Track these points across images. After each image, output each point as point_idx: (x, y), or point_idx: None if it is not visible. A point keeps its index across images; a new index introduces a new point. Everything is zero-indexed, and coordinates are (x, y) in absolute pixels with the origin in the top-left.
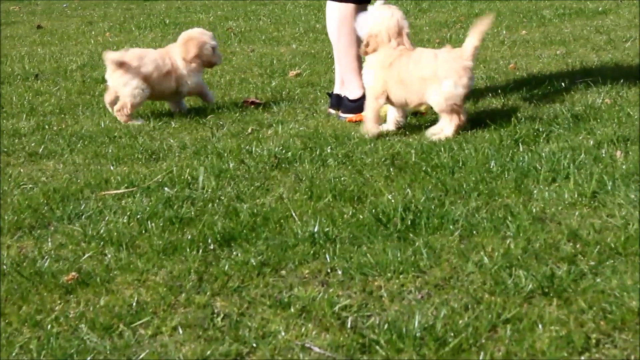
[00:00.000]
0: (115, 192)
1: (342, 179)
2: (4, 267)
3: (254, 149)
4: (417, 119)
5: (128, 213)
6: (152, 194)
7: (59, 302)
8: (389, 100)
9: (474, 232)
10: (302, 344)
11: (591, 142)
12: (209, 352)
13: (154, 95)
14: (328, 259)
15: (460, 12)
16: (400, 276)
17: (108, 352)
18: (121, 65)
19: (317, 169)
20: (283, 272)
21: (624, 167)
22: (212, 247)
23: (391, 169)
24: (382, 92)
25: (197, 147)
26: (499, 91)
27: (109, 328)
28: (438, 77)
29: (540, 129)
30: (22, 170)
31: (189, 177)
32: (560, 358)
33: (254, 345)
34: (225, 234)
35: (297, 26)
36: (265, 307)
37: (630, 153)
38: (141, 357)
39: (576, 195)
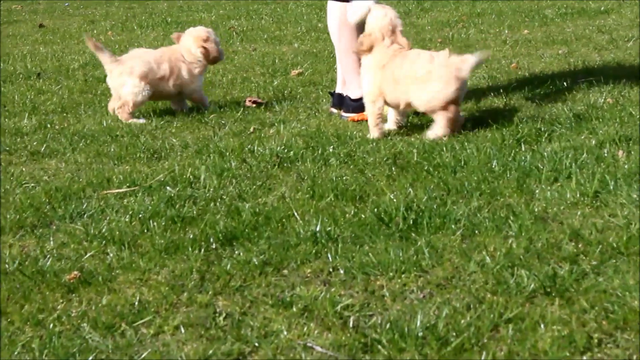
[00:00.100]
0: (117, 191)
1: (344, 178)
2: (7, 266)
3: (256, 148)
4: (419, 118)
5: (130, 212)
6: (154, 193)
7: (61, 301)
8: (385, 102)
9: (476, 231)
10: (304, 343)
11: (593, 142)
12: (210, 352)
13: (155, 95)
14: (330, 259)
15: (462, 12)
16: (402, 276)
17: (110, 351)
18: (98, 48)
19: (319, 168)
20: (285, 271)
21: (626, 166)
22: (214, 246)
23: (393, 169)
24: (378, 94)
25: (199, 146)
26: (501, 91)
27: (111, 327)
28: (429, 78)
29: (542, 129)
30: (24, 169)
31: (190, 176)
32: (563, 358)
33: (256, 344)
34: (227, 233)
35: (299, 25)
36: (267, 307)
37: (632, 153)
38: (143, 356)
39: (578, 195)
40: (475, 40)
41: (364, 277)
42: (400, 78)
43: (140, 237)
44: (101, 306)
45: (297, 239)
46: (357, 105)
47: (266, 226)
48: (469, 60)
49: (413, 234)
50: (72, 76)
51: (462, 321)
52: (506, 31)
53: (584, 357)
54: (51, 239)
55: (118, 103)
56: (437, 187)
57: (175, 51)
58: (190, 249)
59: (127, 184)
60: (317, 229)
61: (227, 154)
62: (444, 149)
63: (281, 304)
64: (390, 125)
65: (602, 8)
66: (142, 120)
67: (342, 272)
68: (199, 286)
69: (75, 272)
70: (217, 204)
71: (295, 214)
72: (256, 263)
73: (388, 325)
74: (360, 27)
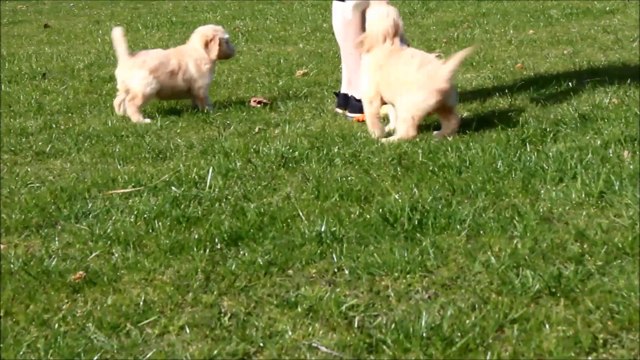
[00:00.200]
0: (122, 191)
1: (349, 178)
2: (12, 266)
3: (261, 148)
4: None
5: (135, 212)
6: (159, 193)
7: (66, 301)
8: (383, 101)
9: (481, 232)
10: (309, 343)
11: (598, 142)
12: (215, 352)
13: (167, 92)
14: (335, 259)
15: (467, 12)
16: (407, 276)
17: (115, 351)
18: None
19: (324, 168)
20: (290, 271)
21: (631, 167)
22: (219, 246)
23: (398, 169)
24: (375, 95)
25: (204, 147)
26: (506, 91)
27: (116, 327)
28: (411, 88)
29: (548, 129)
30: (29, 169)
31: (196, 177)
32: (568, 358)
33: (261, 344)
34: (232, 234)
35: (304, 25)
36: (272, 307)
37: (637, 153)
38: (148, 356)
39: (583, 195)
40: (480, 40)
41: (369, 278)
42: (392, 79)
43: (145, 237)
44: (106, 306)
45: (302, 239)
46: (362, 106)
47: (271, 226)
48: (448, 67)
49: (418, 235)
50: (77, 76)
51: (467, 321)
52: (511, 31)
53: (589, 358)
54: (56, 239)
55: (128, 96)
56: (442, 188)
57: (184, 48)
58: (195, 249)
59: (132, 184)
60: (322, 229)
61: (232, 154)
62: (449, 149)
63: (286, 304)
64: (393, 125)
65: (608, 8)
66: (147, 120)
67: (347, 272)
68: (204, 286)
69: (81, 272)
70: (222, 204)
71: (301, 214)
72: (261, 263)
73: (393, 326)
74: (365, 27)
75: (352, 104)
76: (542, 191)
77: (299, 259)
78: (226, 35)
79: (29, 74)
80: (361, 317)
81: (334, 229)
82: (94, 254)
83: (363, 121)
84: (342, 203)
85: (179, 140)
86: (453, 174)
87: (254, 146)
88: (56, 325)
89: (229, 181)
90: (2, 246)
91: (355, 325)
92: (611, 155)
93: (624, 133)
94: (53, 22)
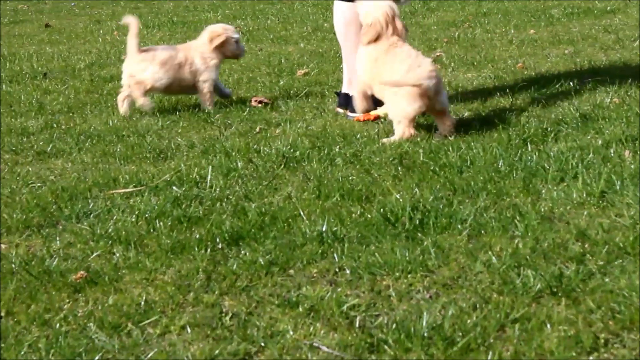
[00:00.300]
0: (123, 191)
1: (350, 178)
2: (13, 265)
3: (262, 148)
4: (425, 118)
5: (136, 212)
6: (161, 193)
7: (67, 301)
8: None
9: (482, 231)
10: (311, 343)
11: (599, 142)
12: (217, 352)
13: (175, 85)
14: (336, 259)
15: (468, 11)
16: (409, 276)
17: (116, 351)
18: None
19: (325, 168)
20: (291, 271)
21: (632, 166)
22: (220, 246)
23: (399, 169)
24: (368, 85)
25: (205, 146)
26: (507, 90)
27: (117, 327)
28: (397, 93)
29: (549, 129)
30: (30, 169)
31: (197, 176)
32: (569, 358)
33: (262, 344)
34: (233, 233)
35: (305, 25)
36: (273, 307)
37: (638, 152)
38: (149, 356)
39: (584, 195)
40: (481, 40)
41: (370, 277)
42: (383, 80)
43: (146, 237)
44: (107, 306)
45: (303, 239)
46: None
47: (272, 226)
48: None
49: (419, 234)
50: (79, 76)
51: (468, 321)
52: (512, 31)
53: (591, 358)
54: (57, 238)
55: (137, 86)
56: (444, 187)
57: (193, 43)
58: (196, 248)
59: (134, 184)
60: (324, 229)
61: (233, 153)
62: (450, 148)
63: (287, 304)
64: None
65: (609, 8)
66: (152, 104)
67: (348, 272)
68: (205, 286)
69: (82, 272)
70: (224, 203)
71: (302, 213)
72: (262, 263)
73: (394, 325)
74: None
75: (353, 103)
76: (543, 191)
77: (300, 259)
78: (236, 35)
79: (30, 73)
80: (362, 316)
81: (335, 228)
82: (95, 254)
83: (364, 121)
84: (343, 203)
85: (180, 140)
86: (454, 174)
87: (255, 146)
88: (57, 325)
89: (230, 181)
90: (3, 246)
91: (357, 325)
92: (612, 155)
93: (625, 133)
94: (54, 21)
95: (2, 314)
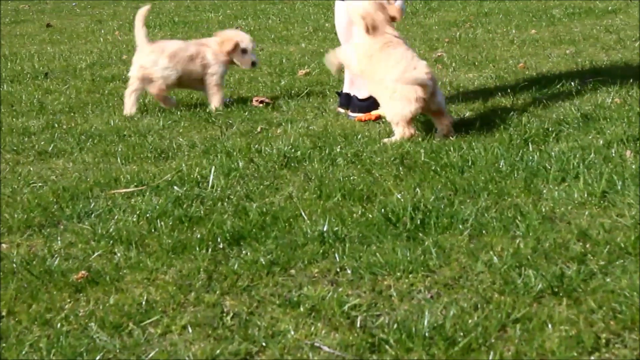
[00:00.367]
0: (124, 190)
1: (352, 178)
2: (14, 265)
3: (263, 148)
4: (426, 117)
5: (137, 212)
6: (162, 192)
7: (68, 300)
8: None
9: (484, 231)
10: (312, 343)
11: (601, 142)
12: (218, 351)
13: (184, 79)
14: (337, 258)
15: (469, 12)
16: (410, 275)
17: (117, 351)
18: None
19: (326, 168)
20: (292, 271)
21: (633, 166)
22: (221, 246)
23: (400, 169)
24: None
25: (206, 146)
26: (509, 90)
27: (118, 327)
28: (393, 96)
29: (550, 129)
30: (31, 168)
31: (198, 176)
32: (570, 358)
33: (264, 344)
34: (234, 233)
35: (306, 25)
36: (274, 306)
37: None
38: (150, 355)
39: (586, 195)
40: (483, 40)
41: (372, 277)
42: (377, 79)
43: (147, 236)
44: (109, 306)
45: (304, 239)
46: (365, 105)
47: (273, 226)
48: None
49: (420, 234)
50: (80, 76)
51: (470, 321)
52: (513, 31)
53: (592, 358)
54: (59, 238)
55: (152, 84)
56: (445, 187)
57: (205, 40)
58: (197, 248)
59: (135, 184)
60: (325, 229)
61: (235, 153)
62: (452, 148)
63: (288, 303)
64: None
65: (610, 8)
66: (173, 102)
67: (349, 272)
68: (206, 286)
69: (83, 272)
70: (225, 203)
71: (303, 213)
72: (263, 263)
73: (395, 325)
74: None
75: (354, 103)
76: (545, 191)
77: (301, 259)
78: (246, 45)
79: (31, 73)
80: (363, 316)
81: (336, 228)
82: (96, 254)
83: (365, 121)
84: (344, 203)
85: (181, 140)
86: (455, 174)
87: (256, 146)
88: (58, 325)
89: (231, 181)
90: (4, 246)
91: (358, 325)
92: (613, 155)
93: (626, 133)
94: (55, 21)
95: (3, 313)
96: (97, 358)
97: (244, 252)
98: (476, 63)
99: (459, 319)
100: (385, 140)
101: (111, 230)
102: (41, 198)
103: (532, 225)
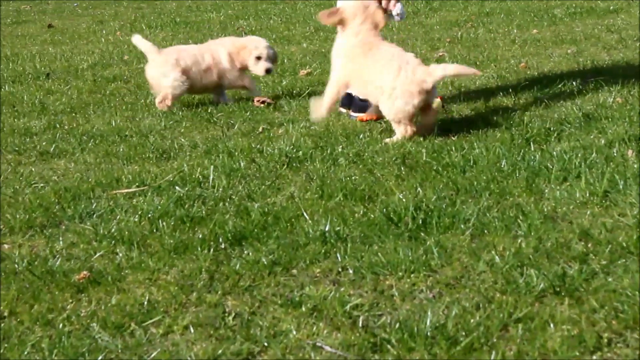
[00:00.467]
0: (126, 191)
1: (353, 178)
2: (16, 266)
3: (264, 148)
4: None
5: (139, 212)
6: (163, 193)
7: (70, 301)
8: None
9: (485, 231)
10: (314, 343)
11: (602, 141)
12: (220, 351)
13: (195, 89)
14: (339, 258)
15: (471, 11)
16: (412, 275)
17: (119, 351)
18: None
19: (328, 168)
20: (294, 271)
21: (635, 166)
22: (223, 246)
23: (402, 168)
24: (344, 83)
25: (208, 146)
26: (510, 90)
27: (120, 327)
28: (393, 94)
29: (552, 128)
30: (33, 169)
31: (200, 176)
32: (572, 357)
33: (265, 344)
34: (236, 233)
35: (308, 25)
36: (276, 306)
37: None
38: (152, 356)
39: (587, 195)
40: (484, 39)
41: (373, 277)
42: (368, 82)
43: (149, 237)
44: (110, 306)
45: (306, 239)
46: (366, 105)
47: (275, 226)
48: (435, 73)
49: (422, 234)
50: (81, 76)
51: (472, 321)
52: (515, 30)
53: (594, 357)
54: (60, 239)
55: (158, 97)
56: (446, 187)
57: (219, 41)
58: (199, 248)
59: (136, 184)
60: (326, 229)
61: (236, 153)
62: (453, 148)
63: (290, 303)
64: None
65: (611, 7)
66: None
67: (351, 271)
68: (208, 286)
69: (85, 272)
70: (226, 203)
71: (304, 213)
72: (265, 263)
73: (397, 325)
74: None
75: (355, 103)
76: (546, 190)
77: (303, 259)
78: (260, 52)
79: (32, 74)
80: (365, 316)
81: (338, 228)
82: (98, 254)
83: (367, 121)
84: (346, 202)
85: (183, 140)
86: (457, 174)
87: (258, 146)
88: (60, 325)
89: (232, 181)
90: (6, 246)
91: (360, 325)
92: (615, 154)
93: (628, 132)
94: (57, 22)
95: (5, 314)
96: (99, 358)
97: (245, 252)
98: (478, 63)
99: (460, 318)
100: (387, 140)
101: (113, 230)
102: (43, 198)
103: (533, 225)
